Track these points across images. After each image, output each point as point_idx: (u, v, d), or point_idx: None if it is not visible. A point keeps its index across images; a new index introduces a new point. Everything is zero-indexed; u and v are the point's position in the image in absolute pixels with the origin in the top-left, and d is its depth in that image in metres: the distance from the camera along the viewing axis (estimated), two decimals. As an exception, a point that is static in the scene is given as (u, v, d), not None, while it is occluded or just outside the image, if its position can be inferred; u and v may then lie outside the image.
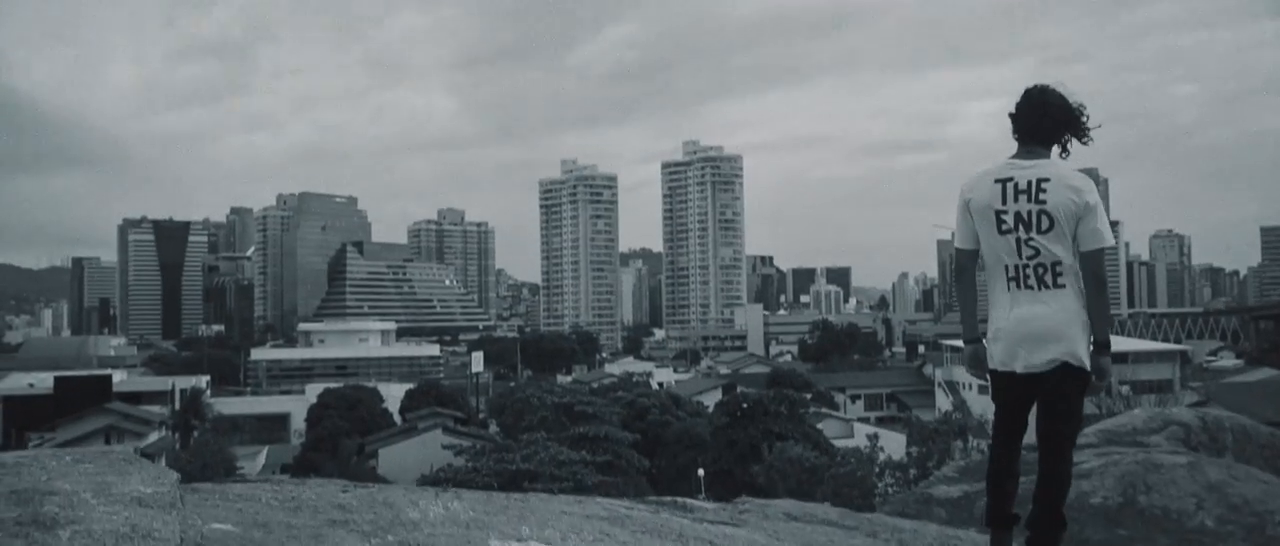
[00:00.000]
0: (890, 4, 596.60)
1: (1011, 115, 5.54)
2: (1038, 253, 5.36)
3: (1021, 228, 5.37)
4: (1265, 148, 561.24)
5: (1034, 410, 5.59)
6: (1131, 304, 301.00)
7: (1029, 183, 5.38)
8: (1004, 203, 5.41)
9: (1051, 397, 5.40)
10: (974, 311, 5.78)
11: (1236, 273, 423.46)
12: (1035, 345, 5.35)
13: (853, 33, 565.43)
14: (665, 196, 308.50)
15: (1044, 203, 5.34)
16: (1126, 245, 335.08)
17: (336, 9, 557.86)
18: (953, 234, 5.81)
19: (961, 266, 5.79)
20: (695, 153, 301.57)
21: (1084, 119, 5.48)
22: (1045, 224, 5.34)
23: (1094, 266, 5.39)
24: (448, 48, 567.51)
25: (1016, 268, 5.43)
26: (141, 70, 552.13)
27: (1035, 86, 5.55)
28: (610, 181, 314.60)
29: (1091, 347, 5.37)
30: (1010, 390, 5.53)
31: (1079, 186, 5.35)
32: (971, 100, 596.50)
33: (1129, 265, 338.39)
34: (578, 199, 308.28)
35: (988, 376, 5.60)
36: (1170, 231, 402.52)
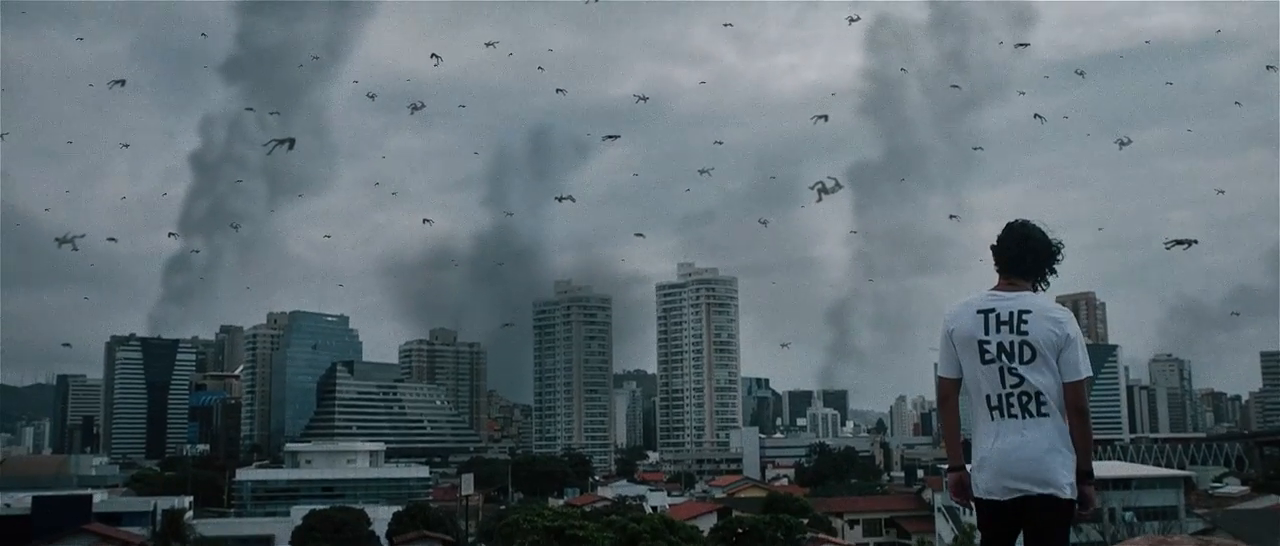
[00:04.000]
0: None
1: (993, 248, 5.87)
2: (1020, 382, 5.59)
3: (1004, 357, 5.62)
4: (1259, 272, 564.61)
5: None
6: (1133, 429, 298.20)
7: (1011, 314, 5.65)
8: (986, 333, 5.67)
9: (1037, 528, 5.57)
10: (957, 439, 5.96)
11: (1238, 398, 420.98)
12: (1020, 474, 5.52)
13: (849, 152, 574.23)
14: (660, 318, 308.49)
15: (1026, 334, 5.60)
16: (1126, 370, 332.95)
17: (335, 130, 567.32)
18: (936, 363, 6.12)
19: (945, 394, 5.97)
20: (690, 274, 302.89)
21: (1058, 258, 5.81)
22: (1027, 354, 5.59)
23: (1075, 396, 5.59)
24: (442, 170, 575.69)
25: (1000, 397, 5.64)
26: (138, 188, 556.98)
27: (1017, 221, 5.88)
28: (604, 303, 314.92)
29: (1075, 477, 5.55)
30: (996, 519, 5.69)
31: (1059, 318, 5.62)
32: (969, 222, 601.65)
33: (1129, 390, 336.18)
34: (571, 320, 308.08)
35: (972, 504, 5.76)
36: (1170, 356, 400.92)
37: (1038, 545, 5.60)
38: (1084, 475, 5.60)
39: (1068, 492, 5.51)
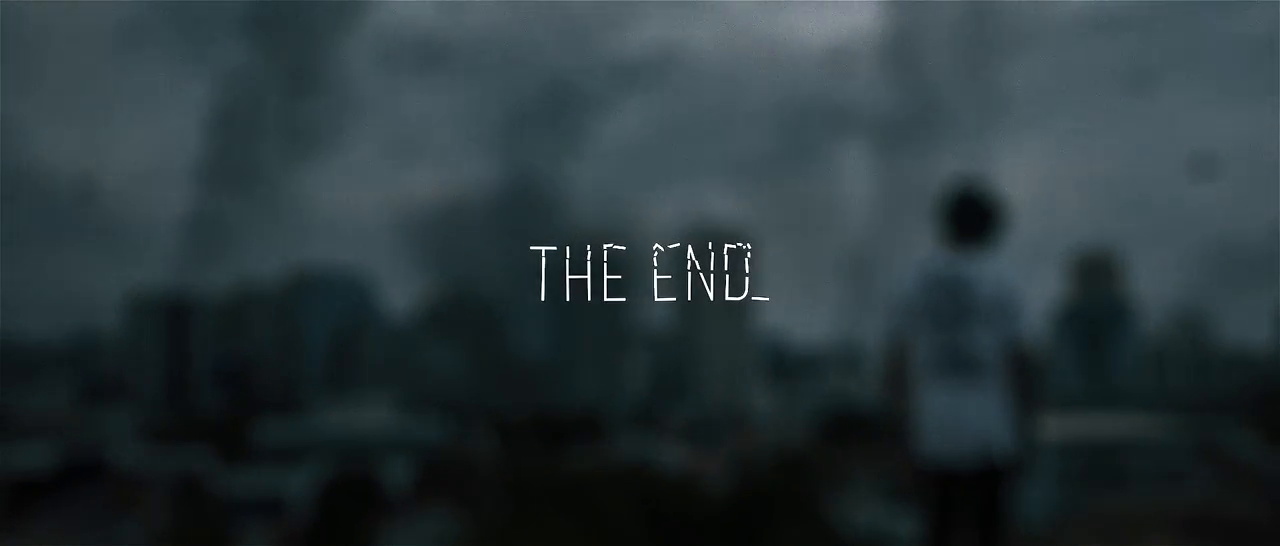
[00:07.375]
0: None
1: (939, 209, 5.78)
2: (965, 345, 5.51)
3: (946, 319, 5.55)
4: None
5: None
6: (1149, 387, 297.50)
7: (954, 275, 5.59)
8: (929, 294, 5.62)
9: (980, 492, 5.54)
10: (903, 404, 5.84)
11: (1258, 356, 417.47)
12: (963, 439, 5.48)
13: (868, 106, 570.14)
14: (677, 272, 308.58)
15: (969, 294, 5.53)
16: (1143, 326, 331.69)
17: (352, 83, 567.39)
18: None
19: (889, 358, 5.89)
20: (708, 227, 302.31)
21: (1001, 218, 5.75)
22: (969, 315, 5.52)
23: (1018, 357, 5.50)
24: (459, 123, 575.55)
25: (944, 360, 5.55)
26: (155, 142, 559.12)
27: (960, 181, 5.82)
28: (621, 256, 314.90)
29: (1018, 439, 5.51)
30: (940, 483, 5.61)
31: (1004, 278, 5.55)
32: (989, 178, 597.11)
33: (1146, 347, 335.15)
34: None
35: (917, 469, 5.67)
36: (1189, 312, 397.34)
37: (982, 509, 5.56)
38: (1027, 440, 5.53)
39: (1009, 456, 5.47)
